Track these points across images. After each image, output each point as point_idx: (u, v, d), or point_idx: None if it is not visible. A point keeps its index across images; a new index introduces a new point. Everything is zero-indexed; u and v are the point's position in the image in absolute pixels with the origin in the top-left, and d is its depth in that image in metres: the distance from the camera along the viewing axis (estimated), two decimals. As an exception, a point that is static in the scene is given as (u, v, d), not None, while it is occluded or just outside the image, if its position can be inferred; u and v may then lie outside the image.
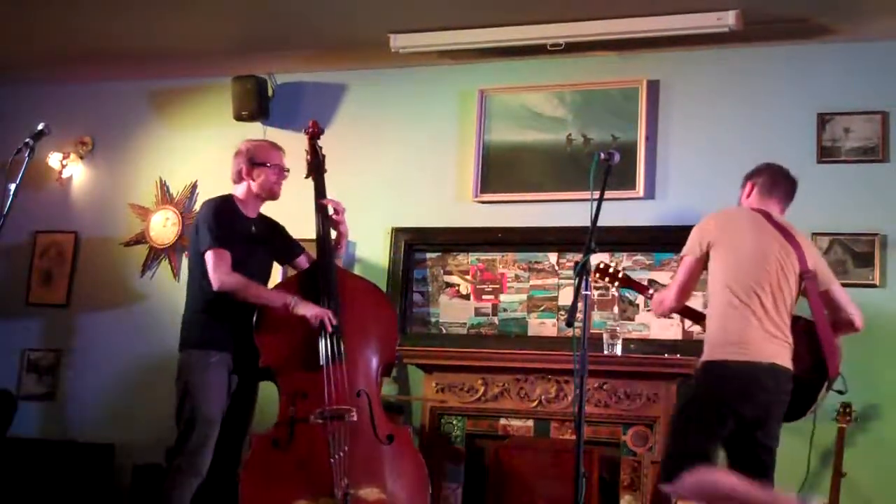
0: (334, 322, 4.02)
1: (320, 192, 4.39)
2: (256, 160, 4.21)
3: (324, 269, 4.19)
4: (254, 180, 4.20)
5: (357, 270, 5.52)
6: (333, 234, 4.36)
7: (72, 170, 6.27)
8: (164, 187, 6.06)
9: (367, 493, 3.90)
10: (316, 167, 4.43)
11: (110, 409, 5.78)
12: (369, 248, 5.61)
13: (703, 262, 3.79)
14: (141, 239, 6.05)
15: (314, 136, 4.49)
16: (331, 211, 4.33)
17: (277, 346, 4.03)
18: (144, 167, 6.16)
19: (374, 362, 4.18)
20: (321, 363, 3.98)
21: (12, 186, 3.35)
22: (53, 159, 6.19)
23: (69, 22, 5.41)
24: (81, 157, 6.28)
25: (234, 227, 4.12)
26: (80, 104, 6.33)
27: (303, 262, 4.40)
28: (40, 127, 3.52)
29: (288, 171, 4.30)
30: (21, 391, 6.08)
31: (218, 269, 3.98)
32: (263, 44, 5.58)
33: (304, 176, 4.42)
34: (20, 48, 5.84)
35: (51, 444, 5.63)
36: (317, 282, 4.15)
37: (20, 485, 5.41)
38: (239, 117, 5.73)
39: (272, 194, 4.26)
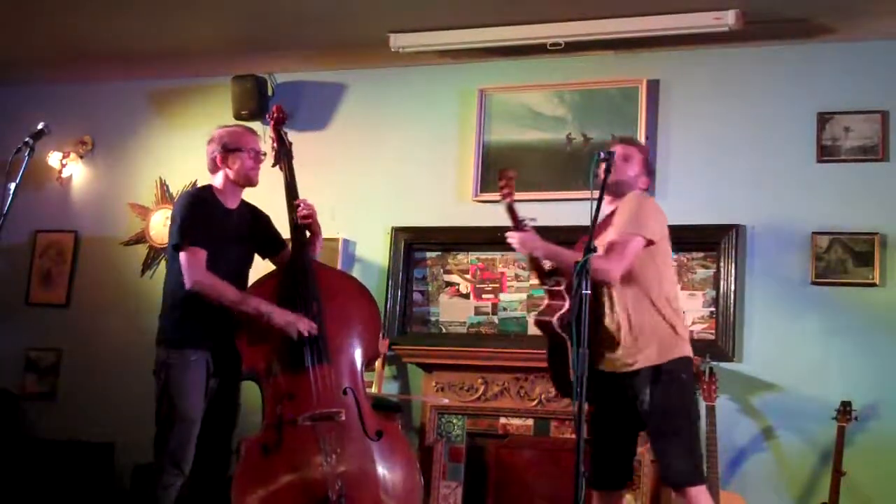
0: (313, 330, 3.88)
1: (291, 183, 4.18)
2: (230, 146, 3.99)
3: (300, 267, 4.02)
4: (229, 168, 3.98)
5: (357, 270, 5.53)
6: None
7: (71, 169, 6.28)
8: (163, 187, 6.06)
9: (360, 493, 3.88)
10: (284, 155, 4.21)
11: (110, 409, 5.77)
12: (369, 247, 5.62)
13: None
14: (141, 238, 6.06)
15: (279, 122, 4.27)
16: (301, 212, 4.10)
17: (259, 348, 3.91)
18: (144, 167, 6.17)
19: (358, 357, 4.05)
20: (306, 364, 3.88)
21: (12, 186, 3.33)
22: (53, 159, 6.19)
23: (69, 22, 5.41)
24: (81, 157, 6.28)
25: (212, 222, 3.92)
26: (80, 104, 6.33)
27: (286, 257, 4.16)
28: (40, 126, 3.51)
29: (265, 154, 4.10)
30: (21, 391, 6.08)
31: (192, 269, 3.81)
32: (263, 43, 5.58)
33: (272, 164, 4.20)
34: (20, 48, 5.84)
35: (51, 443, 5.62)
36: (294, 281, 4.00)
37: (21, 484, 5.41)
38: (239, 117, 5.73)
39: (249, 181, 4.03)
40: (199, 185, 5.74)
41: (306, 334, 3.88)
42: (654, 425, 3.51)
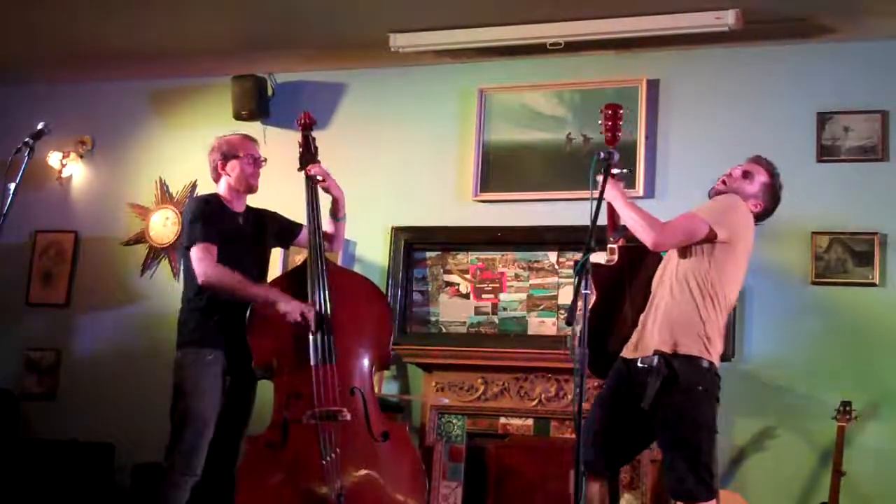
0: (309, 316, 3.92)
1: (313, 187, 4.26)
2: (228, 154, 4.13)
3: (314, 265, 4.09)
4: (229, 174, 4.12)
5: (357, 270, 5.51)
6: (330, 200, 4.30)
7: (71, 169, 6.27)
8: (163, 187, 6.06)
9: (360, 493, 3.88)
10: (309, 160, 4.31)
11: (110, 409, 5.78)
12: (369, 247, 5.61)
13: (702, 241, 3.45)
14: (141, 238, 6.05)
15: (307, 127, 4.37)
16: (319, 178, 4.23)
17: (269, 346, 3.96)
18: (144, 167, 6.17)
19: (368, 359, 4.09)
20: (312, 363, 3.92)
21: (12, 186, 3.35)
22: (53, 159, 6.19)
23: (69, 22, 5.41)
24: (81, 157, 6.28)
25: (221, 223, 4.03)
26: (80, 104, 6.33)
27: (305, 238, 4.23)
28: (40, 126, 3.53)
29: (265, 160, 4.20)
30: (21, 391, 6.08)
31: (202, 262, 3.90)
32: (263, 43, 5.58)
33: (297, 168, 4.31)
34: (20, 48, 5.84)
35: (51, 443, 5.62)
36: (306, 279, 4.07)
37: (21, 484, 5.40)
38: (238, 117, 5.73)
39: (249, 187, 4.15)
40: (199, 184, 5.85)
41: (311, 324, 3.92)
42: (660, 432, 3.42)
